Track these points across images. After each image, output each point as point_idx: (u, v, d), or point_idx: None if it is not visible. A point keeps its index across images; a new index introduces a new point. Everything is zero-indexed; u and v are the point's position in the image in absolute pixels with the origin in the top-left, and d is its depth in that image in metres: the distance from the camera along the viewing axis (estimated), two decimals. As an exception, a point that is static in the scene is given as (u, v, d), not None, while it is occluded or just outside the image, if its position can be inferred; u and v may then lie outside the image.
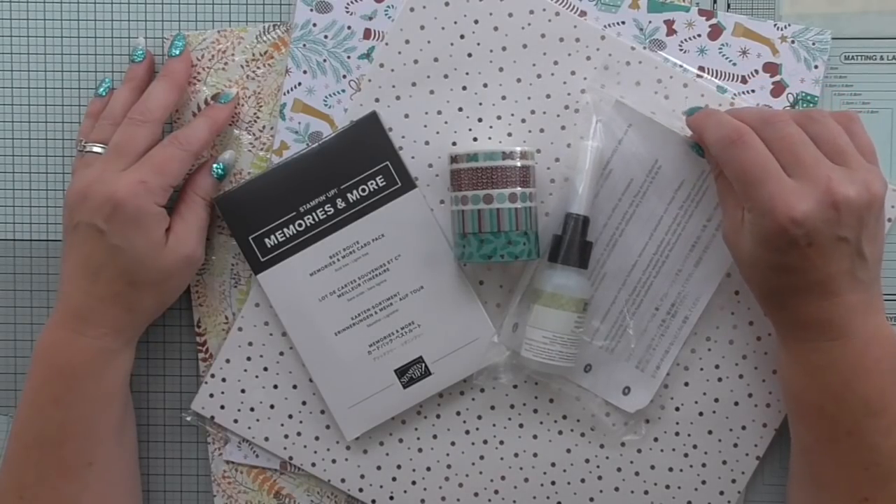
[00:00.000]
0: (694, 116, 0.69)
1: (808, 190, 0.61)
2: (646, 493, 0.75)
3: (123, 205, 0.67)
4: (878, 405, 0.63)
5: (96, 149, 0.70)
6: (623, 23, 0.74)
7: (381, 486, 0.75)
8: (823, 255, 0.62)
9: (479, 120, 0.74)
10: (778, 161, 0.63)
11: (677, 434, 0.74)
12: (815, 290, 0.63)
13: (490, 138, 0.74)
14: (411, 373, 0.74)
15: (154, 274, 0.69)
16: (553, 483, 0.75)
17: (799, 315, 0.64)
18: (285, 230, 0.73)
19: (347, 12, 0.74)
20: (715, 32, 0.74)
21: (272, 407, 0.75)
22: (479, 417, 0.75)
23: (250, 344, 0.75)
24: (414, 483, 0.75)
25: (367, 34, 0.74)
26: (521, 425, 0.75)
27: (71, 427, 0.68)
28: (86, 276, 0.68)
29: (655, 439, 0.74)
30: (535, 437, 0.75)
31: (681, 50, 0.74)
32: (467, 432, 0.75)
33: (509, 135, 0.74)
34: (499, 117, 0.74)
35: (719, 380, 0.74)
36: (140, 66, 0.73)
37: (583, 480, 0.75)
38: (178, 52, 0.73)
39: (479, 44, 0.74)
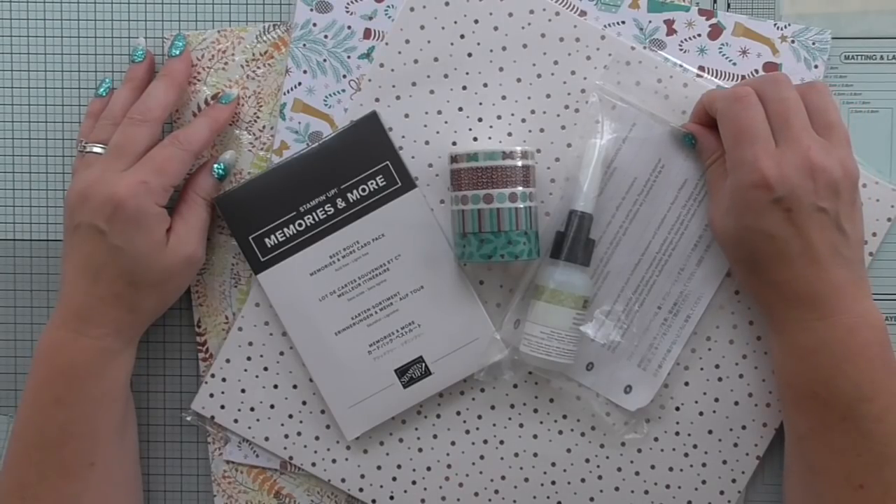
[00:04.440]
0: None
1: (789, 156, 0.64)
2: (646, 492, 0.75)
3: (124, 205, 0.67)
4: (868, 390, 0.64)
5: (97, 149, 0.70)
6: (623, 23, 0.74)
7: (382, 486, 0.75)
8: (804, 222, 0.64)
9: (480, 120, 0.74)
10: (770, 122, 0.66)
11: (677, 434, 0.74)
12: (800, 261, 0.65)
13: (490, 138, 0.74)
14: (411, 373, 0.74)
15: (155, 274, 0.69)
16: (553, 483, 0.75)
17: (786, 290, 0.66)
18: (285, 230, 0.73)
19: (347, 12, 0.74)
20: (715, 32, 0.74)
21: (272, 407, 0.75)
22: (480, 417, 0.75)
23: (250, 344, 0.75)
24: (414, 483, 0.75)
25: (367, 34, 0.74)
26: (521, 425, 0.75)
27: (72, 427, 0.68)
28: (87, 276, 0.68)
29: (655, 439, 0.74)
30: (535, 436, 0.75)
31: (681, 50, 0.74)
32: (467, 432, 0.75)
33: (509, 134, 0.74)
34: (499, 117, 0.74)
35: (719, 380, 0.74)
36: (140, 66, 0.73)
37: (583, 480, 0.75)
38: (178, 53, 0.73)
39: (479, 44, 0.74)
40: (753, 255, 0.66)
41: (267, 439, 0.75)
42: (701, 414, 0.74)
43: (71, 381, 0.68)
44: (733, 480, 0.74)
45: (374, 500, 0.75)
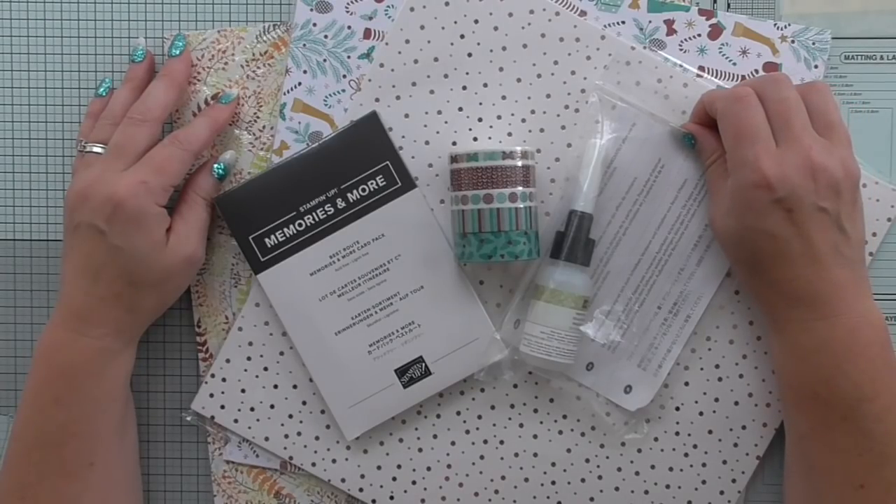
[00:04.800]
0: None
1: (790, 156, 0.64)
2: (646, 492, 0.75)
3: (124, 205, 0.67)
4: (869, 390, 0.64)
5: (96, 149, 0.70)
6: (623, 22, 0.74)
7: (382, 486, 0.75)
8: (805, 222, 0.64)
9: (479, 120, 0.74)
10: (770, 122, 0.66)
11: (677, 434, 0.74)
12: (801, 260, 0.65)
13: (490, 138, 0.74)
14: (411, 372, 0.74)
15: (155, 274, 0.69)
16: (553, 483, 0.75)
17: (787, 290, 0.66)
18: (285, 230, 0.73)
19: (347, 12, 0.74)
20: (715, 32, 0.74)
21: (272, 407, 0.75)
22: (480, 417, 0.75)
23: (250, 344, 0.75)
24: (414, 483, 0.75)
25: (367, 34, 0.74)
26: (521, 425, 0.75)
27: (72, 427, 0.68)
28: (86, 276, 0.68)
29: (655, 439, 0.74)
30: (535, 436, 0.75)
31: (681, 50, 0.74)
32: (467, 432, 0.75)
33: (509, 134, 0.74)
34: (499, 117, 0.74)
35: (719, 380, 0.74)
36: (140, 66, 0.73)
37: (583, 480, 0.75)
38: (178, 52, 0.73)
39: (479, 44, 0.74)
40: (754, 255, 0.66)
41: (267, 439, 0.75)
42: (701, 414, 0.74)
43: (70, 381, 0.68)
44: (733, 480, 0.74)
45: (374, 500, 0.75)
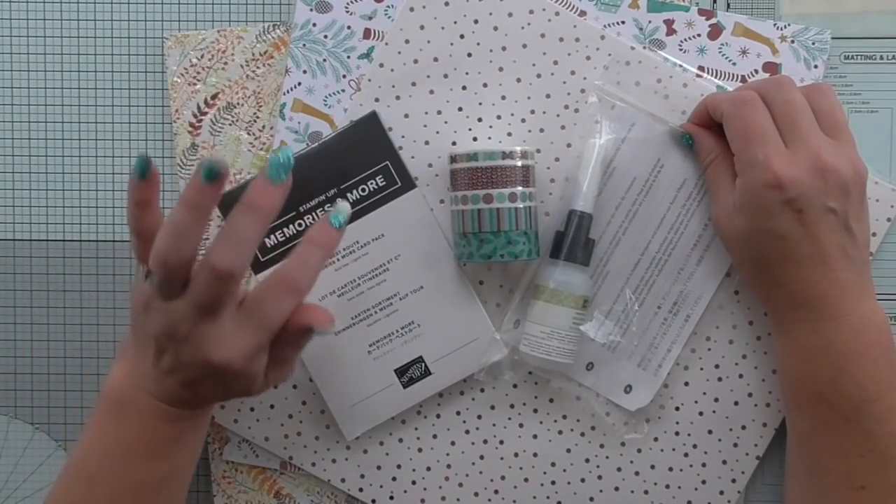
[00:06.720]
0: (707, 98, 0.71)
1: (800, 157, 0.64)
2: (646, 492, 0.75)
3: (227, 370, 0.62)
4: (873, 391, 0.64)
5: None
6: (623, 22, 0.74)
7: (381, 486, 0.75)
8: (814, 223, 0.64)
9: (479, 120, 0.74)
10: (777, 124, 0.65)
11: (677, 434, 0.74)
12: (809, 262, 0.65)
13: (490, 138, 0.74)
14: (411, 372, 0.74)
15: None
16: (553, 483, 0.75)
17: (794, 290, 0.66)
18: (285, 230, 0.73)
19: (347, 12, 0.74)
20: (715, 32, 0.74)
21: (272, 407, 0.75)
22: (479, 417, 0.75)
23: (250, 344, 0.75)
24: (414, 483, 0.75)
25: (367, 34, 0.74)
26: (521, 425, 0.75)
27: (172, 476, 0.66)
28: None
29: (655, 439, 0.74)
30: (535, 436, 0.75)
31: (680, 50, 0.74)
32: (467, 432, 0.75)
33: (509, 134, 0.74)
34: (499, 117, 0.74)
35: (719, 380, 0.74)
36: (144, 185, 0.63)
37: (583, 480, 0.75)
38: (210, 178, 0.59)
39: (479, 44, 0.74)
40: (762, 255, 0.66)
41: (267, 439, 0.75)
42: (701, 414, 0.74)
43: (175, 438, 0.65)
44: (733, 480, 0.74)
45: (373, 500, 0.75)
